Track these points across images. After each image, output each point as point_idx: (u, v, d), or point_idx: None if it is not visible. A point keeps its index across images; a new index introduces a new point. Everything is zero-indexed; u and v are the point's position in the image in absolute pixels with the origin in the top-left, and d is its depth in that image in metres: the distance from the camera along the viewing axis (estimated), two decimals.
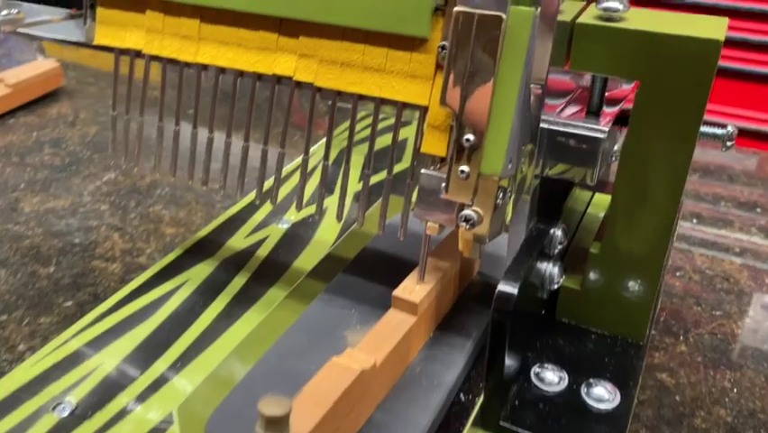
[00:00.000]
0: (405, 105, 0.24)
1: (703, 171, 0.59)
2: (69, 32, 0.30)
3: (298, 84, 0.26)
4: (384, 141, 0.31)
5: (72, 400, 0.27)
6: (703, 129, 0.25)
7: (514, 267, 0.24)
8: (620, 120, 0.26)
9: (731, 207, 0.55)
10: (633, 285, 0.28)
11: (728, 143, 0.25)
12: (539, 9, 0.21)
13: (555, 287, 0.27)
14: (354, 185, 0.43)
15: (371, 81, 0.24)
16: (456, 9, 0.22)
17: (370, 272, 0.30)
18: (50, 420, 0.26)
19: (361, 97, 0.25)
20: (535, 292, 0.27)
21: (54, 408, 0.27)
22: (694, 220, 0.51)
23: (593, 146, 0.24)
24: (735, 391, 0.35)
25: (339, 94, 0.25)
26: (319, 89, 0.26)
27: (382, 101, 0.25)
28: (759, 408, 0.33)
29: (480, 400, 0.25)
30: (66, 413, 0.26)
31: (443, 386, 0.24)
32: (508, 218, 0.25)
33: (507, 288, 0.23)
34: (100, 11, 0.28)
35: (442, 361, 0.25)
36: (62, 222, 0.50)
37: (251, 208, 0.41)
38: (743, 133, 1.09)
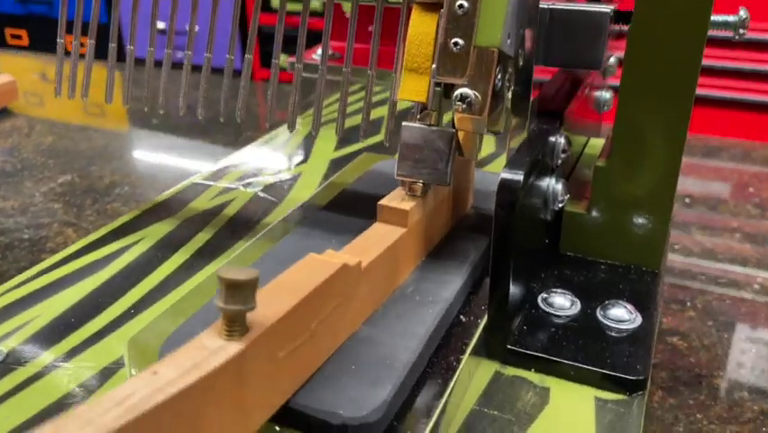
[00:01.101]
0: None
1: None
2: None
3: None
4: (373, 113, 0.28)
5: (2, 349, 0.23)
6: (713, 18, 0.23)
7: (517, 157, 0.21)
8: (621, 17, 0.24)
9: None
10: (645, 204, 0.25)
11: (741, 31, 0.23)
12: None
13: (560, 206, 0.24)
14: (330, 152, 0.40)
15: None
16: None
17: (350, 209, 0.27)
18: None
19: None
20: (538, 212, 0.24)
21: None
22: (687, 199, 0.49)
23: (599, 24, 0.22)
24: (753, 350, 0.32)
25: None
26: None
27: None
28: None
29: (483, 322, 0.21)
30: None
31: (440, 302, 0.21)
32: (508, 113, 0.22)
33: (511, 175, 0.20)
34: None
35: (437, 280, 0.22)
36: (10, 220, 0.46)
37: (215, 176, 0.38)
38: None
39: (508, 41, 0.20)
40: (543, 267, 0.25)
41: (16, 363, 0.23)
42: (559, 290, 0.24)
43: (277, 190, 0.35)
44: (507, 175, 0.20)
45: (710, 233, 0.44)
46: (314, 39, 0.26)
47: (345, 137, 0.39)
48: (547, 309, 0.23)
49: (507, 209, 0.20)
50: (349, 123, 0.25)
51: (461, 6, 0.20)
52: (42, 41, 1.96)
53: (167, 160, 0.51)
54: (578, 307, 0.23)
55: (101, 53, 0.31)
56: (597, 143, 0.32)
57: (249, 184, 0.36)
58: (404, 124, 0.22)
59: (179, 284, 0.26)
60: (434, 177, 0.21)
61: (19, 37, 2.02)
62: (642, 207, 0.25)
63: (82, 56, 0.30)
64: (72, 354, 0.23)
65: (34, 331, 0.24)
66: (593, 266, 0.25)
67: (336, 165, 0.37)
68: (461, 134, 0.21)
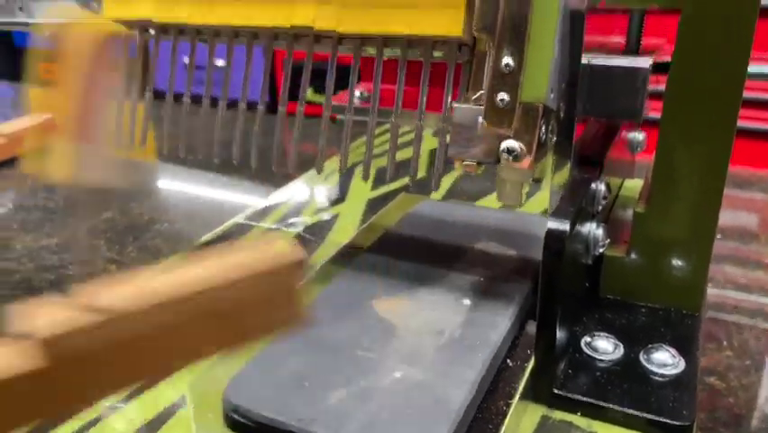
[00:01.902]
0: (435, 43, 0.23)
1: None
2: (72, 12, 0.29)
3: (317, 38, 0.25)
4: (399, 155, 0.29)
5: None
6: (750, 69, 0.23)
7: (562, 206, 0.22)
8: (659, 67, 0.25)
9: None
10: (684, 247, 0.25)
11: None
12: None
13: (600, 250, 0.25)
14: (367, 192, 0.41)
15: (399, 19, 0.23)
16: None
17: (395, 252, 0.28)
18: None
19: (387, 43, 0.24)
20: (580, 256, 0.24)
21: None
22: (719, 236, 0.49)
23: (638, 79, 0.22)
24: None
25: (363, 42, 0.24)
26: (341, 39, 0.24)
27: (410, 43, 0.23)
28: None
29: (530, 366, 0.22)
30: None
31: (488, 346, 0.21)
32: (550, 161, 0.23)
33: (558, 225, 0.21)
34: None
35: (484, 324, 0.23)
36: (55, 257, 0.47)
37: (256, 217, 0.39)
38: None
39: (552, 96, 0.21)
40: (584, 310, 0.26)
41: None
42: (602, 334, 0.24)
43: (318, 230, 0.36)
44: (553, 225, 0.21)
45: (744, 266, 0.44)
46: (344, 76, 0.27)
47: (380, 177, 0.40)
48: (591, 353, 0.24)
49: (554, 257, 0.21)
50: (381, 162, 0.26)
51: (507, 66, 0.21)
52: None
53: (203, 195, 0.53)
54: (621, 350, 0.24)
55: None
56: (632, 185, 0.32)
57: (291, 224, 0.37)
58: (455, 104, 0.22)
59: None
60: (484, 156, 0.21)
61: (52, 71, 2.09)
62: (681, 251, 0.25)
63: None
64: (130, 396, 0.23)
65: None
66: (634, 309, 0.26)
67: (374, 205, 0.38)
68: (503, 182, 0.22)
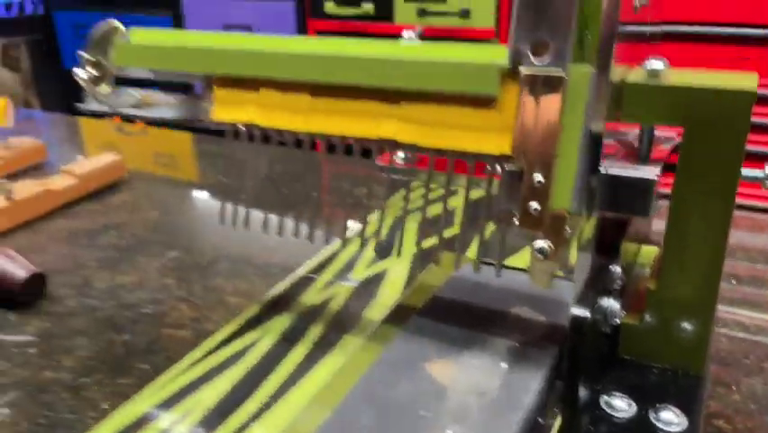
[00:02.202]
0: (478, 156, 0.28)
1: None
2: (185, 111, 0.35)
3: (396, 145, 0.30)
4: (435, 210, 0.34)
5: (187, 422, 0.29)
6: (744, 172, 0.28)
7: (583, 296, 0.27)
8: (667, 168, 0.30)
9: None
10: (689, 320, 0.30)
11: (767, 182, 0.28)
12: (595, 68, 0.25)
13: (617, 321, 0.30)
14: (411, 248, 0.46)
15: (463, 137, 0.28)
16: (523, 71, 0.26)
17: (442, 316, 0.33)
18: None
19: (439, 152, 0.29)
20: (600, 326, 0.29)
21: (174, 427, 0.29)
22: (733, 281, 0.53)
23: (646, 188, 0.27)
24: None
25: (423, 149, 0.29)
26: (418, 148, 0.29)
27: (463, 154, 0.28)
28: None
29: (557, 423, 0.27)
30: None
31: (522, 408, 0.26)
32: (574, 253, 0.28)
33: (582, 312, 0.26)
34: (217, 91, 0.32)
35: (517, 386, 0.28)
36: (132, 295, 0.53)
37: (319, 269, 0.44)
38: None
39: (575, 204, 0.26)
40: (604, 370, 0.30)
41: None
42: (617, 394, 0.29)
43: (370, 285, 0.41)
44: (577, 312, 0.26)
45: (758, 311, 0.48)
46: None
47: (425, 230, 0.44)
48: (609, 411, 0.28)
49: (578, 336, 0.26)
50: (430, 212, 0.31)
51: (539, 182, 0.26)
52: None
53: (258, 234, 0.58)
54: (634, 409, 0.28)
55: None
56: (648, 252, 0.37)
57: (346, 279, 0.42)
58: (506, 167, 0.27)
59: (303, 376, 0.33)
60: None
61: None
62: (687, 320, 0.30)
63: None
64: None
65: (197, 419, 0.30)
66: (646, 370, 0.31)
67: (421, 258, 0.43)
68: (535, 271, 0.27)
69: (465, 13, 1.46)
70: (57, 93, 2.31)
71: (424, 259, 0.33)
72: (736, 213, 0.29)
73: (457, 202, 0.49)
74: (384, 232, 0.44)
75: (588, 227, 0.28)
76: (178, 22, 1.93)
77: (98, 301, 0.52)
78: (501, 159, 0.27)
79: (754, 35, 1.23)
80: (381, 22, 1.61)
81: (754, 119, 0.26)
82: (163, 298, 0.52)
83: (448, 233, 0.48)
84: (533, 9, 0.25)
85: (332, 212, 0.32)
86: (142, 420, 0.31)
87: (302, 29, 1.75)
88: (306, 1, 1.72)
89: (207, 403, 0.31)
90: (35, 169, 0.82)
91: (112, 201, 0.73)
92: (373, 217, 0.33)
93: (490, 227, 0.36)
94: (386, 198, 0.31)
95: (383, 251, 0.32)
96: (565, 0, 0.25)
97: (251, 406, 0.31)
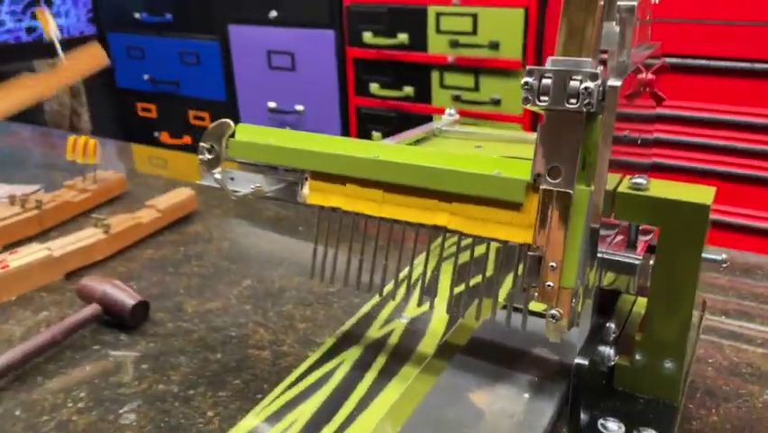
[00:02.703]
0: (507, 243, 0.39)
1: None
2: (287, 195, 0.46)
3: (447, 231, 0.40)
4: (465, 257, 0.45)
5: None
6: (705, 256, 0.38)
7: (584, 348, 0.37)
8: (651, 248, 0.40)
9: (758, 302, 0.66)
10: (667, 362, 0.40)
11: (723, 265, 0.38)
12: (593, 186, 0.35)
13: (611, 364, 0.40)
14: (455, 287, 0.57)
15: (490, 229, 0.38)
16: (542, 188, 0.36)
17: (479, 353, 0.43)
18: None
19: (478, 238, 0.39)
20: (598, 367, 0.40)
21: None
22: (722, 317, 0.63)
23: (631, 269, 0.37)
24: None
25: (466, 235, 0.40)
26: (459, 235, 0.40)
27: (496, 240, 0.39)
28: None
29: None
30: None
31: (537, 428, 0.37)
32: (579, 312, 0.38)
33: (582, 361, 0.36)
34: (311, 182, 0.43)
35: (537, 412, 0.38)
36: (219, 319, 0.64)
37: (378, 307, 0.55)
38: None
39: (579, 282, 0.36)
40: (602, 399, 0.41)
41: None
42: (611, 418, 0.39)
43: (421, 322, 0.52)
44: (580, 361, 0.36)
45: (738, 342, 0.58)
46: None
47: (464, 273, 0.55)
48: (604, 431, 0.38)
49: (580, 379, 0.36)
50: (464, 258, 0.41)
51: (552, 267, 0.36)
52: (168, 115, 2.26)
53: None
54: (623, 431, 0.38)
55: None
56: (642, 302, 0.47)
57: (401, 316, 0.53)
58: (529, 253, 0.38)
59: (376, 396, 0.43)
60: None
61: (149, 110, 2.33)
62: (665, 362, 0.40)
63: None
64: None
65: (299, 429, 0.41)
66: (635, 399, 0.41)
67: (465, 298, 0.53)
68: (550, 330, 0.37)
69: (494, 46, 1.57)
70: (110, 109, 2.46)
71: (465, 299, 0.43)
72: None
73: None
74: (428, 276, 0.55)
75: (588, 297, 0.38)
76: (224, 46, 2.06)
77: (191, 324, 0.63)
78: (524, 247, 0.38)
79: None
80: (416, 51, 1.73)
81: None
82: (244, 322, 0.64)
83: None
84: (549, 145, 0.36)
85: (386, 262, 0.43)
86: (256, 431, 0.42)
87: (341, 56, 1.86)
88: (345, 30, 1.83)
89: (304, 420, 0.42)
90: (118, 198, 0.94)
91: (188, 231, 0.84)
92: (418, 263, 0.43)
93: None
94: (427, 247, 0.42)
95: (454, 313, 0.43)
96: (572, 141, 0.35)
97: (337, 419, 0.42)
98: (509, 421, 0.38)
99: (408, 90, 1.77)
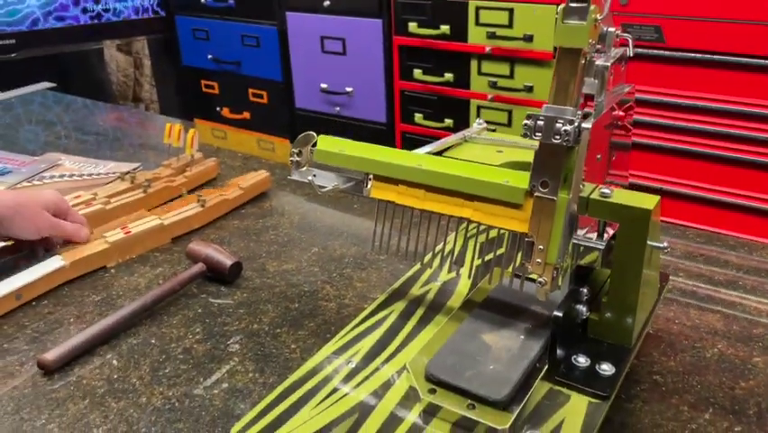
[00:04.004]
0: (510, 231, 0.55)
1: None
2: (355, 189, 0.63)
3: (469, 220, 0.57)
4: (490, 234, 0.61)
5: (354, 360, 0.58)
6: (652, 243, 0.54)
7: (561, 305, 0.54)
8: (614, 236, 0.56)
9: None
10: (623, 317, 0.57)
11: (665, 251, 0.54)
12: (571, 194, 0.52)
13: (584, 317, 0.57)
14: (475, 261, 0.74)
15: (500, 221, 0.55)
16: (535, 194, 0.53)
17: (493, 308, 0.61)
18: (347, 369, 0.58)
19: (491, 227, 0.56)
20: (574, 319, 0.56)
21: (347, 363, 0.58)
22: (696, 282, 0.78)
23: (598, 249, 0.54)
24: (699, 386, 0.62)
25: (483, 224, 0.57)
26: (479, 224, 0.57)
27: (504, 228, 0.56)
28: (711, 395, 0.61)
29: (545, 367, 0.54)
30: (353, 365, 0.58)
31: (529, 357, 0.54)
32: (560, 283, 0.55)
33: (558, 313, 0.53)
34: (374, 182, 0.61)
35: (528, 348, 0.55)
36: (294, 278, 0.83)
37: (419, 272, 0.73)
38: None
39: (560, 259, 0.53)
40: (577, 343, 0.58)
41: (358, 369, 0.58)
42: (581, 354, 0.56)
43: (451, 284, 0.69)
44: (557, 313, 0.53)
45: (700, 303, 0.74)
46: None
47: (484, 250, 0.71)
48: (575, 363, 0.55)
49: (557, 326, 0.53)
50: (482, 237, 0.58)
51: (540, 249, 0.53)
52: (229, 92, 2.46)
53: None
54: (588, 362, 0.55)
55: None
56: None
57: (436, 280, 0.70)
58: (526, 239, 0.55)
59: (416, 336, 0.61)
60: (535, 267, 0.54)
61: (212, 87, 2.53)
62: (623, 316, 0.57)
63: None
64: (382, 365, 0.57)
65: (359, 358, 0.59)
66: (600, 343, 0.57)
67: (482, 268, 0.70)
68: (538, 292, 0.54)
69: (528, 38, 1.70)
70: (175, 84, 2.67)
71: (483, 268, 0.60)
72: None
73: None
74: (457, 249, 0.72)
75: (568, 270, 0.55)
76: (282, 31, 2.23)
77: (273, 281, 0.82)
78: (523, 234, 0.54)
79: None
80: (456, 41, 1.87)
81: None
82: (314, 280, 0.82)
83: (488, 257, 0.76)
84: (541, 166, 0.52)
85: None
86: (328, 359, 0.60)
87: (388, 43, 2.02)
88: (392, 20, 1.98)
89: (363, 351, 0.60)
90: (214, 180, 1.12)
91: (265, 206, 1.03)
92: (449, 241, 0.60)
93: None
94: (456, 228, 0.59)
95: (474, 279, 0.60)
96: (557, 164, 0.51)
97: (387, 352, 0.59)
98: (508, 354, 0.55)
99: (449, 76, 1.92)
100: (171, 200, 1.02)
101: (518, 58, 1.76)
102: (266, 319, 0.74)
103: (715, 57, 1.53)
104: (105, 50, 2.88)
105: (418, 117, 2.04)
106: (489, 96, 1.85)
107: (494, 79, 1.83)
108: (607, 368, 0.55)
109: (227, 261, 0.81)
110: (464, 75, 1.88)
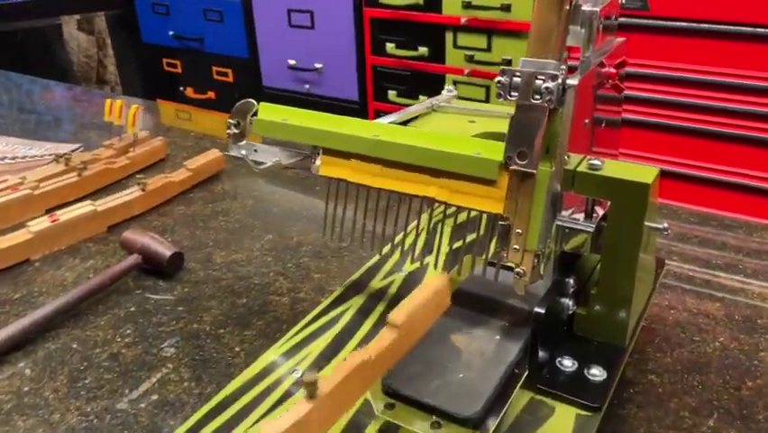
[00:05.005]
0: (482, 212, 0.46)
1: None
2: (302, 166, 0.54)
3: (435, 201, 0.48)
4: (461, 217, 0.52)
5: (300, 368, 0.49)
6: (649, 224, 0.45)
7: (543, 299, 0.45)
8: (605, 217, 0.47)
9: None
10: (616, 312, 0.48)
11: (665, 232, 0.46)
12: (553, 168, 0.43)
13: (570, 313, 0.48)
14: (444, 247, 0.65)
15: (470, 200, 0.46)
16: (512, 167, 0.44)
17: (464, 303, 0.52)
18: (291, 379, 0.48)
19: (460, 208, 0.47)
20: (558, 315, 0.48)
21: (292, 372, 0.49)
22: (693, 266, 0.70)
23: (586, 235, 0.45)
24: (700, 387, 0.54)
25: (451, 205, 0.48)
26: (445, 204, 0.48)
27: (475, 210, 0.47)
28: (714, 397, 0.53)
29: (526, 373, 0.46)
30: (299, 375, 0.49)
31: (506, 363, 0.45)
32: (542, 272, 0.46)
33: (540, 309, 0.44)
34: (323, 157, 0.51)
35: (505, 351, 0.46)
36: (244, 269, 0.73)
37: (381, 261, 0.64)
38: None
39: (541, 246, 0.44)
40: (562, 342, 0.49)
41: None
42: (567, 357, 0.47)
43: (417, 275, 0.60)
44: (538, 310, 0.44)
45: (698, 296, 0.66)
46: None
47: (455, 234, 0.62)
48: (560, 367, 0.47)
49: (539, 324, 0.44)
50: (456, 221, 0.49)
51: (518, 232, 0.44)
52: (193, 71, 2.34)
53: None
54: (576, 366, 0.47)
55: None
56: None
57: (401, 270, 0.61)
58: (500, 222, 0.46)
59: (374, 339, 0.52)
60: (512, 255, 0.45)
61: (174, 66, 2.40)
62: (616, 311, 0.48)
63: None
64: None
65: (309, 363, 0.50)
66: (589, 342, 0.49)
67: (451, 256, 0.61)
68: (516, 284, 0.45)
69: (506, 8, 1.61)
70: (136, 63, 2.54)
71: (452, 257, 0.51)
72: None
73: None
74: (425, 235, 0.63)
75: (551, 258, 0.46)
76: (246, 3, 2.11)
77: (220, 273, 0.72)
78: (498, 216, 0.45)
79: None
80: (430, 12, 1.77)
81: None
82: (266, 272, 0.73)
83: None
84: (518, 133, 0.43)
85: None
86: (273, 364, 0.51)
87: (358, 15, 1.91)
88: None
89: (314, 355, 0.51)
90: (161, 161, 1.02)
91: (216, 189, 0.93)
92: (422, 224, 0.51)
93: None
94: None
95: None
96: (538, 130, 0.42)
97: (340, 356, 0.50)
98: (481, 358, 0.46)
99: (423, 50, 1.82)
100: (112, 184, 0.92)
101: (496, 29, 1.66)
102: (208, 318, 0.65)
103: (702, 26, 1.45)
104: (65, 28, 2.74)
105: (392, 94, 1.94)
106: (466, 71, 1.76)
107: (470, 53, 1.73)
108: (597, 373, 0.46)
109: (166, 251, 0.71)
110: (439, 48, 1.79)
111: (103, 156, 0.95)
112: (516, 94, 0.42)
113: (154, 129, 1.02)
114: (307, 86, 2.09)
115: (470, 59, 1.74)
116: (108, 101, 0.97)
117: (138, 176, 0.88)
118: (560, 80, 0.41)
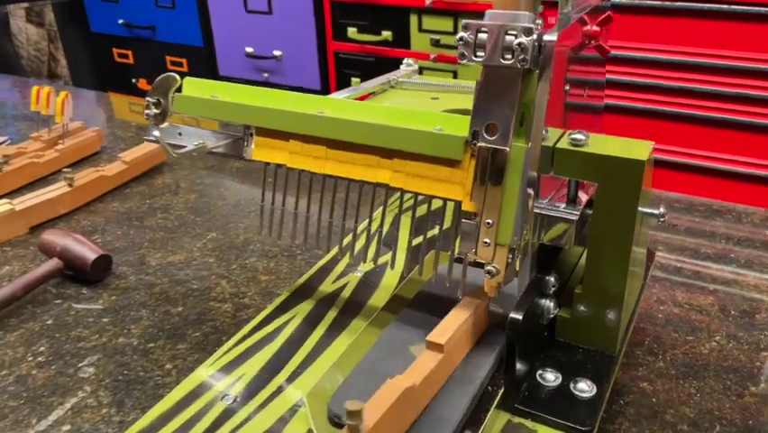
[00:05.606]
0: (446, 200, 0.39)
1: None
2: (233, 150, 0.45)
3: (389, 187, 0.40)
4: (422, 210, 0.45)
5: (232, 393, 0.41)
6: (643, 210, 0.38)
7: (520, 302, 0.37)
8: (590, 202, 0.40)
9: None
10: (605, 313, 0.41)
11: (661, 219, 0.38)
12: (530, 144, 0.35)
13: (551, 316, 0.41)
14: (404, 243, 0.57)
15: (430, 186, 0.38)
16: (479, 144, 0.36)
17: (426, 308, 0.44)
18: (221, 406, 0.40)
19: (418, 195, 0.39)
20: (538, 319, 0.40)
21: (222, 398, 0.41)
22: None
23: (569, 222, 0.38)
24: (698, 394, 0.47)
25: (407, 192, 0.40)
26: (402, 191, 0.40)
27: (435, 197, 0.39)
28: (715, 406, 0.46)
29: (501, 391, 0.38)
30: (230, 402, 0.40)
31: (477, 379, 0.38)
32: (517, 269, 0.38)
33: (516, 315, 0.36)
34: (257, 138, 0.43)
35: (475, 365, 0.39)
36: (181, 272, 0.65)
37: (333, 261, 0.55)
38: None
39: (515, 238, 0.37)
40: (542, 351, 0.41)
41: (243, 402, 0.41)
42: (549, 369, 0.40)
43: (375, 276, 0.52)
44: (514, 315, 0.36)
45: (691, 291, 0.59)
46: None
47: (418, 226, 0.55)
48: (541, 382, 0.39)
49: (514, 334, 0.36)
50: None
51: (488, 223, 0.36)
52: (145, 62, 2.22)
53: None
54: (560, 380, 0.39)
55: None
56: None
57: (356, 270, 0.53)
58: (463, 220, 0.38)
59: (324, 350, 0.44)
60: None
61: (125, 56, 2.28)
62: (604, 312, 0.41)
63: None
64: (270, 399, 0.40)
65: (246, 382, 0.42)
66: (574, 350, 0.42)
67: (414, 252, 0.53)
68: (487, 285, 0.38)
69: None
70: (87, 55, 2.41)
71: (415, 253, 0.44)
72: None
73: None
74: (385, 229, 0.55)
75: (529, 246, 0.38)
76: (203, 6, 2.01)
77: (154, 278, 0.64)
78: (463, 205, 0.38)
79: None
80: None
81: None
82: (207, 275, 0.64)
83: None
84: (487, 102, 0.35)
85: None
86: (207, 383, 0.43)
87: (318, 5, 1.82)
88: None
89: (253, 371, 0.43)
90: (96, 154, 0.92)
91: (156, 183, 0.84)
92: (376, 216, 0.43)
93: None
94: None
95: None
96: (510, 98, 0.35)
97: (284, 374, 0.42)
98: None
99: (386, 34, 1.74)
100: (38, 180, 0.82)
101: (462, 11, 1.59)
102: (136, 330, 0.56)
103: (687, 5, 1.37)
104: (12, 21, 2.60)
105: (355, 82, 1.85)
106: (432, 56, 1.68)
107: (436, 36, 1.65)
108: (585, 388, 0.39)
109: (89, 254, 0.62)
110: (403, 32, 1.70)
111: (29, 149, 0.85)
112: (483, 54, 0.34)
113: (93, 121, 0.92)
114: (266, 74, 1.99)
115: (435, 44, 1.66)
116: (35, 88, 0.87)
117: (65, 170, 0.78)
118: (535, 35, 0.33)
